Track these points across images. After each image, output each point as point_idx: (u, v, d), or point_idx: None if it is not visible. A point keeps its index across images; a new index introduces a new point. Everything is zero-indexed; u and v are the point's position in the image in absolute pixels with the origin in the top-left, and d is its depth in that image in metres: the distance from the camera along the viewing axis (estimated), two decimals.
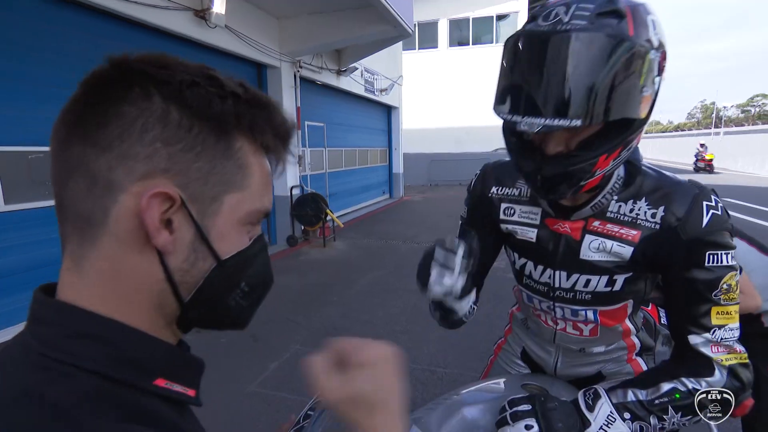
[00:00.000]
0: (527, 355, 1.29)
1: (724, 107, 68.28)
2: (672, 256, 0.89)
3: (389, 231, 8.53)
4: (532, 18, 0.82)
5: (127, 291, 0.41)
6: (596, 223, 0.96)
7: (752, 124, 49.27)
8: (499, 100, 0.83)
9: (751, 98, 76.45)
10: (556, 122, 0.74)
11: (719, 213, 0.86)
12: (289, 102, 6.87)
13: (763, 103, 74.11)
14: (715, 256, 0.86)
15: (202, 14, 4.95)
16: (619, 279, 0.97)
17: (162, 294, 0.43)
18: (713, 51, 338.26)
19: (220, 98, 0.42)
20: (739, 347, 0.89)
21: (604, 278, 0.97)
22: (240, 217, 0.45)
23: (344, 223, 8.64)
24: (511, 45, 0.81)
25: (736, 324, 0.89)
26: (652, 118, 0.90)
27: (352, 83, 9.29)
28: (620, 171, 0.93)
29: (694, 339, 0.89)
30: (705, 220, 0.85)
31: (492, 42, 17.77)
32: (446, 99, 17.51)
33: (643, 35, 0.75)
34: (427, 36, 17.64)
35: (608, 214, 0.95)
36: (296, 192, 7.20)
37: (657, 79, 0.79)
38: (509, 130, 0.88)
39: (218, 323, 0.51)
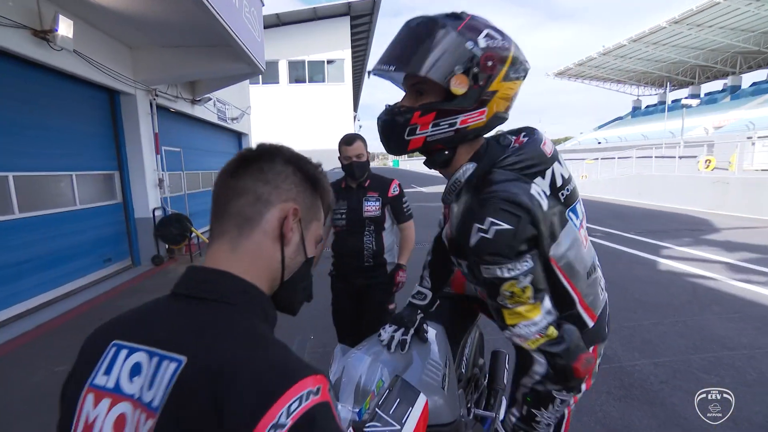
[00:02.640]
0: None
1: None
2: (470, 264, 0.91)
3: None
4: None
5: (260, 267, 0.57)
6: (448, 210, 1.02)
7: None
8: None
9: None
10: (382, 67, 0.82)
11: (488, 237, 0.79)
12: (146, 128, 6.02)
13: None
14: (487, 270, 0.82)
15: (44, 35, 4.05)
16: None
17: (276, 273, 0.59)
18: None
19: (314, 170, 0.63)
20: (538, 333, 0.84)
21: None
22: (316, 236, 0.65)
23: (208, 239, 7.89)
24: None
25: (534, 318, 0.83)
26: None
27: (206, 112, 8.58)
28: (468, 171, 0.92)
29: (506, 334, 0.88)
30: (472, 240, 0.82)
31: (323, 81, 18.37)
32: (288, 126, 17.43)
33: (468, 35, 0.80)
34: (270, 73, 17.30)
35: (453, 205, 0.98)
36: (159, 213, 6.34)
37: (476, 70, 0.80)
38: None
39: (289, 304, 0.65)
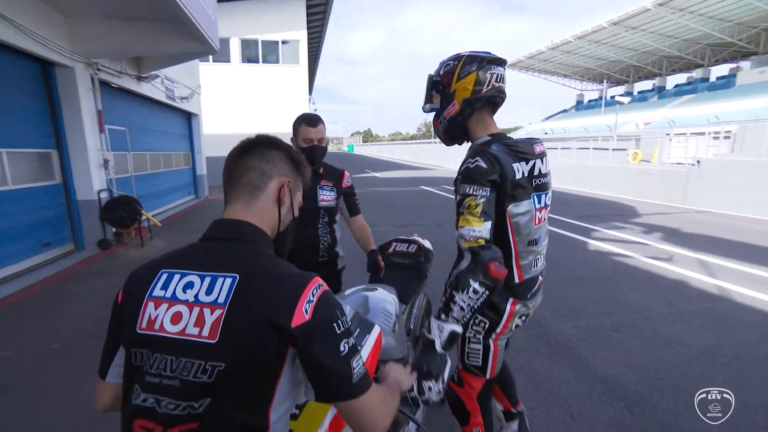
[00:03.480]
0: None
1: None
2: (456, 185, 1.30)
3: (204, 226, 7.92)
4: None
5: (265, 220, 0.80)
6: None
7: None
8: None
9: None
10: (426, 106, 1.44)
11: (470, 167, 1.21)
12: (87, 105, 5.65)
13: None
14: (462, 186, 1.22)
15: None
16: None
17: (274, 225, 0.83)
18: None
19: (297, 155, 0.86)
20: (473, 237, 1.16)
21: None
22: (298, 202, 0.88)
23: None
24: None
25: (475, 227, 1.16)
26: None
27: (153, 89, 8.12)
28: (481, 140, 1.35)
29: (455, 235, 1.22)
30: (462, 167, 1.25)
31: (277, 62, 17.79)
32: (241, 107, 16.75)
33: (435, 72, 1.39)
34: (221, 51, 16.39)
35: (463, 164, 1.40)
36: (104, 196, 6.03)
37: (440, 87, 1.36)
38: None
39: (281, 248, 0.88)
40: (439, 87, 1.36)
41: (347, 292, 1.36)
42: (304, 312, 0.66)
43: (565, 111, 48.50)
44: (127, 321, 0.71)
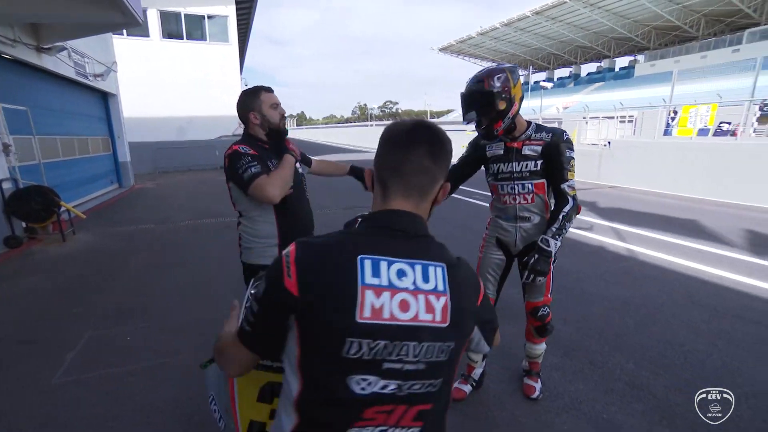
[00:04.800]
0: (499, 240, 2.06)
1: (371, 108, 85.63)
2: (551, 151, 1.86)
3: (136, 216, 7.33)
4: None
5: (425, 216, 0.80)
6: (526, 141, 1.90)
7: (387, 120, 63.77)
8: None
9: (385, 102, 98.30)
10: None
11: (566, 137, 1.88)
12: None
13: (391, 106, 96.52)
14: (567, 150, 1.86)
15: None
16: (538, 163, 1.88)
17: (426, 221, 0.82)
18: (363, 68, 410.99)
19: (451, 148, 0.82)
20: (575, 186, 1.85)
21: (532, 162, 1.89)
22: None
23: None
24: None
25: (574, 180, 1.87)
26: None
27: (59, 64, 7.12)
28: (526, 126, 1.91)
29: (562, 186, 1.86)
30: (563, 137, 1.87)
31: (203, 39, 16.43)
32: (168, 89, 15.29)
33: (491, 85, 1.77)
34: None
35: (528, 139, 1.90)
36: (8, 186, 5.27)
37: (503, 97, 1.76)
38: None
39: None
40: (503, 95, 1.75)
41: None
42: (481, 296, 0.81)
43: None
44: (327, 312, 0.66)
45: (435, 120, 42.71)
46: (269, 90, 1.79)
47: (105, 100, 10.57)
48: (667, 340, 2.79)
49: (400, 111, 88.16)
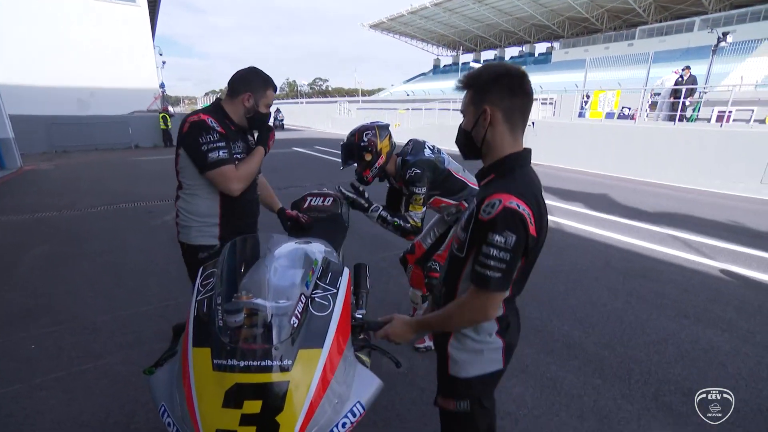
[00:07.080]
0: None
1: (301, 84, 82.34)
2: (407, 187, 2.06)
3: (29, 203, 6.28)
4: None
5: None
6: (399, 181, 2.19)
7: (317, 98, 61.82)
8: None
9: (314, 80, 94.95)
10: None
11: (412, 172, 1.99)
12: None
13: (321, 83, 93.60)
14: (411, 187, 2.01)
15: None
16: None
17: None
18: (290, 43, 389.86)
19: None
20: (416, 218, 2.03)
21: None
22: None
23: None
24: None
25: (418, 212, 2.03)
26: None
27: None
28: (395, 171, 2.19)
29: (406, 213, 2.06)
30: (406, 176, 2.01)
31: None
32: (62, 52, 13.05)
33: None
34: None
35: (400, 179, 2.13)
36: None
37: (371, 149, 2.06)
38: None
39: None
40: (369, 148, 2.06)
41: (282, 245, 1.29)
42: None
43: (423, 74, 51.89)
44: (540, 241, 1.02)
45: (366, 98, 42.61)
46: (275, 89, 1.78)
47: None
48: (592, 301, 3.11)
49: (330, 88, 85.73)
